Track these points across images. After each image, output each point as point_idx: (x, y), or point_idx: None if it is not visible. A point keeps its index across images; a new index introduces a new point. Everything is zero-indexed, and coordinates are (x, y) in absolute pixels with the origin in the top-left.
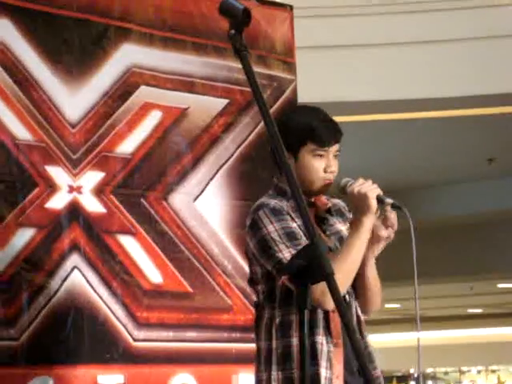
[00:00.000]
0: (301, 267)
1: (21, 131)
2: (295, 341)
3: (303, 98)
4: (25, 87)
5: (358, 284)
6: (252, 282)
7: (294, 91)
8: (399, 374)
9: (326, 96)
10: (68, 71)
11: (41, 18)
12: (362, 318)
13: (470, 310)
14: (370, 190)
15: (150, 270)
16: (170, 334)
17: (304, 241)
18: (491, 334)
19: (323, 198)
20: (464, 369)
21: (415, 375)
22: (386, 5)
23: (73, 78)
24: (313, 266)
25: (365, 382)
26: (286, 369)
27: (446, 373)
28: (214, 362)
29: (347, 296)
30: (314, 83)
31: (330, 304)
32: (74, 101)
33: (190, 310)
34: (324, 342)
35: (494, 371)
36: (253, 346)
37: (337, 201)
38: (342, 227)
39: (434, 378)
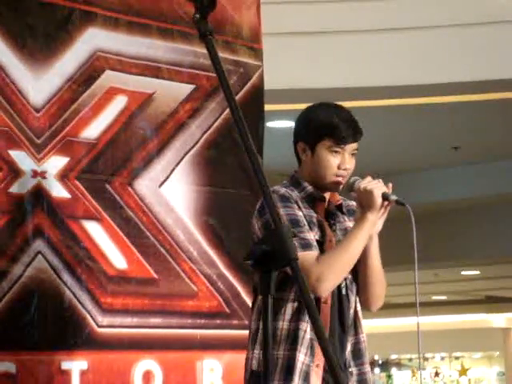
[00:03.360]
0: (264, 252)
1: None
2: (281, 324)
3: (270, 84)
4: None
5: (361, 278)
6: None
7: (261, 77)
8: None
9: (292, 83)
10: (32, 55)
11: (4, 1)
12: (360, 313)
13: (435, 297)
14: (376, 187)
15: (115, 256)
16: (135, 320)
17: (307, 229)
18: (455, 320)
19: (337, 195)
20: (428, 355)
21: (379, 362)
22: None
23: (37, 62)
24: (276, 251)
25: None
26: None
27: (410, 359)
28: (178, 348)
29: (344, 289)
30: (281, 70)
31: (325, 291)
32: (39, 85)
33: (155, 296)
34: (308, 329)
35: (457, 358)
36: (217, 332)
37: (352, 202)
38: (352, 225)
39: (398, 364)
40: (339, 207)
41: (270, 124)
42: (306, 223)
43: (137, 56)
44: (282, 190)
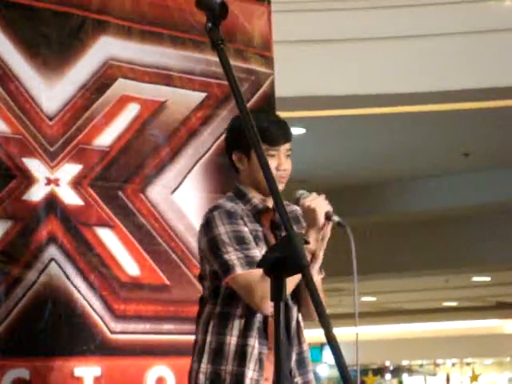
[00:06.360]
0: (277, 260)
1: None
2: (228, 339)
3: (280, 91)
4: (2, 80)
5: (301, 293)
6: (201, 277)
7: (272, 85)
8: (375, 367)
9: (303, 90)
10: (46, 64)
11: (18, 10)
12: (302, 324)
13: (445, 303)
14: (320, 205)
15: (128, 263)
16: (147, 326)
17: (253, 246)
18: (466, 326)
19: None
20: (439, 361)
21: (391, 368)
22: None
23: (50, 70)
24: (288, 258)
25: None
26: (216, 363)
27: (421, 365)
28: (190, 354)
29: (289, 300)
30: (291, 77)
31: (268, 309)
32: (52, 93)
33: (167, 303)
34: (256, 344)
35: (468, 364)
36: None
37: (295, 207)
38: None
39: (409, 370)
40: None
41: None
42: (251, 239)
43: (149, 64)
44: (228, 206)
